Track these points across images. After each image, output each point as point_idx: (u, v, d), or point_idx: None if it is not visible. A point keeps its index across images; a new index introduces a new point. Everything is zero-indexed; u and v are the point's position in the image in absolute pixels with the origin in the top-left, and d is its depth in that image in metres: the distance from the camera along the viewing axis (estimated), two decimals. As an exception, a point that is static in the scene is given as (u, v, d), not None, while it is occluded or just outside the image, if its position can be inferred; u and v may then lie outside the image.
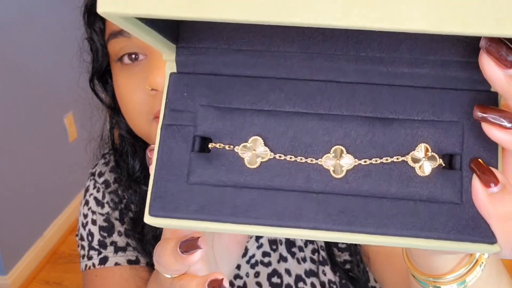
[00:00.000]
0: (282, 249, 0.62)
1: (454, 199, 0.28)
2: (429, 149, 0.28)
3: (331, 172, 0.29)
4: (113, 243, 0.65)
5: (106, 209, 0.66)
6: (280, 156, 0.29)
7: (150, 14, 0.23)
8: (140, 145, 0.63)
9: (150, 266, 0.64)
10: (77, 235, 0.69)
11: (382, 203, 0.28)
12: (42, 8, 1.99)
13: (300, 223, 0.28)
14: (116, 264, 0.64)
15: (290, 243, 0.62)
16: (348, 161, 0.29)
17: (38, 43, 1.96)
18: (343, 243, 0.62)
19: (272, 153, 0.29)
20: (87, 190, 0.69)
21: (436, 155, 0.28)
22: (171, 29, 0.30)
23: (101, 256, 0.64)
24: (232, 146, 0.30)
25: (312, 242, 0.62)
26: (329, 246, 0.62)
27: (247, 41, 0.30)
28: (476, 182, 0.27)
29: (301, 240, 0.62)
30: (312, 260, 0.62)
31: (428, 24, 0.21)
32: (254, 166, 0.29)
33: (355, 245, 0.62)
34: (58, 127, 2.17)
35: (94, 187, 0.68)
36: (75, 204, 2.26)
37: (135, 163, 0.64)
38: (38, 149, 2.02)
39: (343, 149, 0.29)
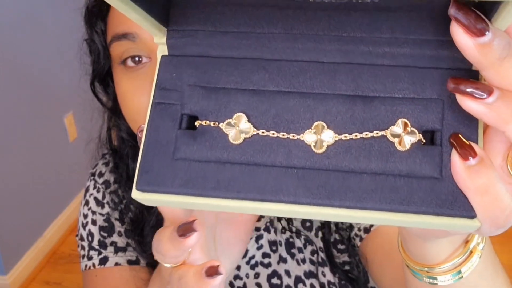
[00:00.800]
0: (282, 250, 0.62)
1: (433, 174, 0.28)
2: (409, 124, 0.29)
3: (312, 148, 0.29)
4: (113, 243, 0.65)
5: (106, 209, 0.67)
6: (263, 132, 0.30)
7: None
8: None
9: (150, 266, 0.64)
10: (77, 235, 0.69)
11: (361, 178, 0.28)
12: (42, 9, 1.99)
13: (280, 197, 0.29)
14: (116, 264, 0.64)
15: (289, 244, 0.62)
16: (329, 136, 0.29)
17: (38, 43, 1.96)
18: (342, 245, 0.62)
19: (255, 129, 0.30)
20: (87, 190, 0.69)
21: (415, 130, 0.29)
22: (162, 13, 0.31)
23: (101, 256, 0.64)
24: (217, 123, 0.30)
25: (311, 243, 0.62)
26: (328, 247, 0.62)
27: (233, 23, 0.31)
28: (454, 155, 0.28)
29: (301, 241, 0.62)
30: (312, 261, 0.62)
31: None
32: (238, 142, 0.30)
33: (354, 246, 0.62)
34: (58, 127, 2.18)
35: (94, 187, 0.68)
36: (75, 204, 2.26)
37: (136, 165, 0.63)
38: (38, 149, 2.02)
39: (324, 125, 0.29)
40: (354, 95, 0.30)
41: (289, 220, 0.62)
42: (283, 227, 0.62)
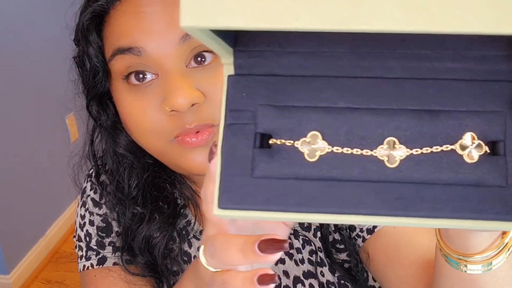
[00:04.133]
0: (280, 251, 0.62)
1: (500, 183, 0.30)
2: (475, 137, 0.30)
3: (385, 162, 0.31)
4: (111, 243, 0.65)
5: (104, 209, 0.66)
6: (337, 149, 0.31)
7: (228, 26, 0.25)
8: (146, 161, 0.61)
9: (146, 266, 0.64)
10: (74, 236, 0.69)
11: (434, 189, 0.30)
12: (43, 12, 1.99)
13: (359, 210, 0.30)
14: (115, 264, 0.64)
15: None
16: (401, 152, 0.31)
17: (40, 44, 1.97)
18: (341, 244, 0.62)
19: (329, 147, 0.31)
20: (84, 191, 0.69)
21: (482, 143, 0.30)
22: (229, 34, 0.32)
23: (100, 256, 0.64)
24: (292, 142, 0.32)
25: (310, 243, 0.62)
26: (327, 247, 0.62)
27: (300, 43, 0.33)
28: None
29: (299, 241, 0.62)
30: (310, 262, 0.62)
31: (484, 27, 0.23)
32: (313, 159, 0.31)
33: (353, 245, 0.62)
34: (60, 127, 2.18)
35: (92, 188, 0.68)
36: (77, 203, 2.26)
37: (131, 182, 0.62)
38: (40, 149, 2.03)
39: (396, 140, 0.31)
40: (421, 110, 0.31)
41: (287, 221, 0.62)
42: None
